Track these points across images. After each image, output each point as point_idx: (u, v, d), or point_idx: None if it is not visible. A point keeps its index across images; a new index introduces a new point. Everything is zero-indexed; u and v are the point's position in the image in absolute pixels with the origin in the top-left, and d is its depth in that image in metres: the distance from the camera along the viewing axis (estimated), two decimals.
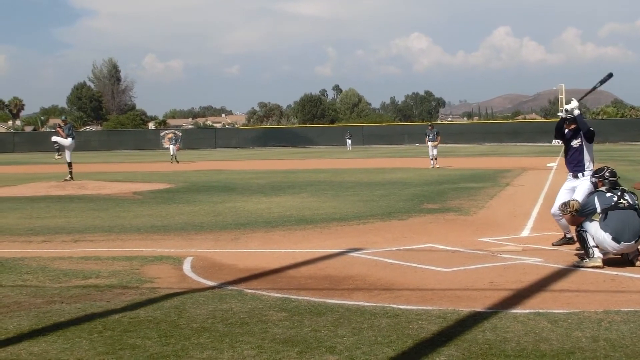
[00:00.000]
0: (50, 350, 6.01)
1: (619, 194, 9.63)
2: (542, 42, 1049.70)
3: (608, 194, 9.66)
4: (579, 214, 9.81)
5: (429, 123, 40.64)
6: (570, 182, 11.18)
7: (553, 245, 11.15)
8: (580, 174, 10.98)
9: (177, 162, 46.17)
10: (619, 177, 10.02)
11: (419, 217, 14.99)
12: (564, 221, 10.77)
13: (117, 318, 7.02)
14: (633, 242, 9.31)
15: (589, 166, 10.92)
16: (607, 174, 9.95)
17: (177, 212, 16.78)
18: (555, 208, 10.87)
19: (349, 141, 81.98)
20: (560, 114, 11.29)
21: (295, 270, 9.59)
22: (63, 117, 31.01)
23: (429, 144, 35.63)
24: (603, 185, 9.96)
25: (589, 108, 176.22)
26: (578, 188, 10.86)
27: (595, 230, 9.49)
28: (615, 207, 9.45)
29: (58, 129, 27.11)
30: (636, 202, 9.60)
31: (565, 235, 11.22)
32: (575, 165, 11.09)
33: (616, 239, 9.28)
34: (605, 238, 9.34)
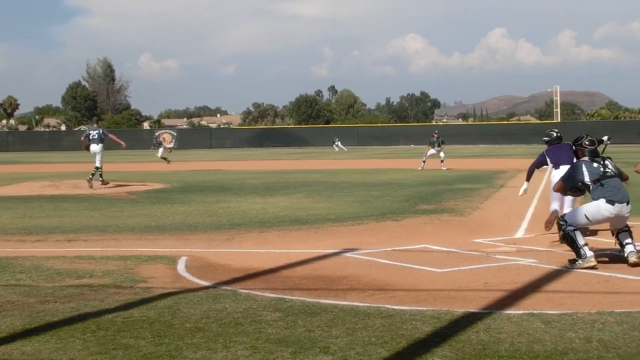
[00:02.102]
0: (43, 350, 5.99)
1: (602, 162, 9.75)
2: (537, 44, 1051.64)
3: (594, 164, 9.76)
4: (564, 180, 9.99)
5: (435, 131, 40.21)
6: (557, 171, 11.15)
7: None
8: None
9: (168, 162, 44.65)
10: (597, 146, 10.02)
11: (414, 218, 14.99)
12: None
13: (111, 318, 7.01)
14: (625, 203, 9.42)
15: None
16: (586, 142, 9.99)
17: (172, 212, 16.76)
18: (553, 206, 10.78)
19: (338, 142, 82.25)
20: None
21: (289, 270, 9.59)
22: (95, 119, 29.95)
23: (432, 150, 35.38)
24: (583, 155, 10.02)
25: (583, 110, 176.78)
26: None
27: (586, 207, 9.68)
28: (605, 176, 9.58)
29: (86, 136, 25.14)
30: (617, 168, 9.81)
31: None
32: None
33: (611, 201, 9.39)
34: (600, 204, 9.46)
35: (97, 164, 24.59)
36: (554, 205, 12.50)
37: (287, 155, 62.17)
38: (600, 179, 9.59)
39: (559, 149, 12.65)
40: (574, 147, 10.32)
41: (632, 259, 9.36)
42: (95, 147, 24.70)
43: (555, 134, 13.03)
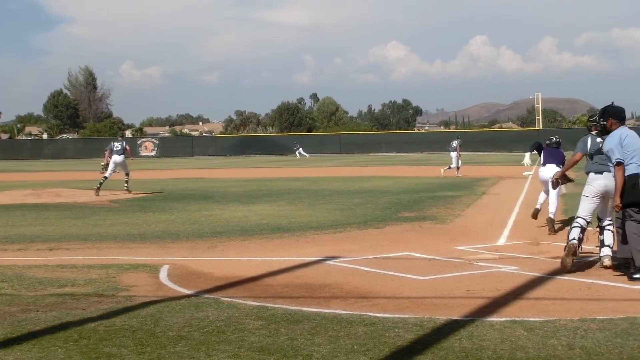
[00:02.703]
0: (26, 359, 5.96)
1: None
2: (518, 51, 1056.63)
3: (598, 139, 10.32)
4: (578, 148, 10.68)
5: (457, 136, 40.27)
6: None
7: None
8: None
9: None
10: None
11: (396, 226, 15.01)
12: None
13: (93, 326, 6.98)
14: (612, 174, 9.42)
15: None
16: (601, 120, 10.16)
17: (154, 220, 16.72)
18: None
19: (300, 149, 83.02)
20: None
21: (271, 278, 9.58)
22: (120, 133, 32.85)
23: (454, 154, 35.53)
24: (596, 129, 10.50)
25: (565, 117, 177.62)
26: None
27: (584, 191, 10.16)
28: (598, 152, 10.07)
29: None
30: None
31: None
32: None
33: (599, 171, 9.93)
34: (590, 177, 10.08)
35: (127, 171, 26.94)
36: (543, 198, 14.69)
37: (269, 163, 62.14)
38: (595, 153, 10.16)
39: (553, 152, 14.76)
40: (588, 122, 11.13)
41: (606, 262, 9.62)
42: (118, 158, 26.45)
43: (555, 139, 15.22)
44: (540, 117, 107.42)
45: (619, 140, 9.27)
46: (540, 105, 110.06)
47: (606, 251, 9.74)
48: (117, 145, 26.58)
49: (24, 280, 9.52)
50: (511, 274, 9.58)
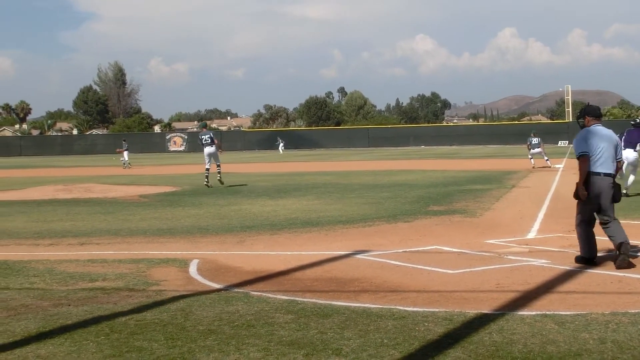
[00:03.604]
0: (58, 352, 6.01)
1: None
2: (547, 44, 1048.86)
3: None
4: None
5: (533, 130, 40.24)
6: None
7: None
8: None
9: (130, 167, 45.10)
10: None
11: (425, 219, 14.97)
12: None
13: (124, 320, 7.03)
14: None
15: None
16: (631, 122, 13.78)
17: (183, 215, 16.80)
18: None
19: (281, 145, 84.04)
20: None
21: (301, 272, 9.58)
22: (204, 124, 31.91)
23: (534, 150, 35.61)
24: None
25: None
26: None
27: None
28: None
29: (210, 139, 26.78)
30: None
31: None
32: None
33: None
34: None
35: (218, 162, 26.59)
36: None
37: (297, 158, 62.18)
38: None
39: (633, 134, 17.69)
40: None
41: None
42: (210, 149, 26.23)
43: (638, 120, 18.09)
44: (570, 109, 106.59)
45: (586, 134, 9.71)
46: (570, 97, 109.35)
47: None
48: (206, 138, 26.32)
49: (55, 274, 9.61)
50: (541, 267, 9.51)
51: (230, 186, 25.78)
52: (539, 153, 35.32)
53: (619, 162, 9.79)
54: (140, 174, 26.34)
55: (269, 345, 6.07)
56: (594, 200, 9.50)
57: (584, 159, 9.50)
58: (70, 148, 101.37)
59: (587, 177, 9.45)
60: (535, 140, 35.66)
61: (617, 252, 9.36)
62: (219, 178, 26.11)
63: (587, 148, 9.53)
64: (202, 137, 26.51)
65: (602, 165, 9.50)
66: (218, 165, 26.47)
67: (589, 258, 9.57)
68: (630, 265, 9.25)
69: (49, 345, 6.21)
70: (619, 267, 9.18)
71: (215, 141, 26.58)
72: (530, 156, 35.66)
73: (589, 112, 10.05)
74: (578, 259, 9.68)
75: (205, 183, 25.75)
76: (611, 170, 9.55)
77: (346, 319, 6.90)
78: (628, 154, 17.34)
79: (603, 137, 9.66)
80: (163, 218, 16.27)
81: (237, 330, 6.56)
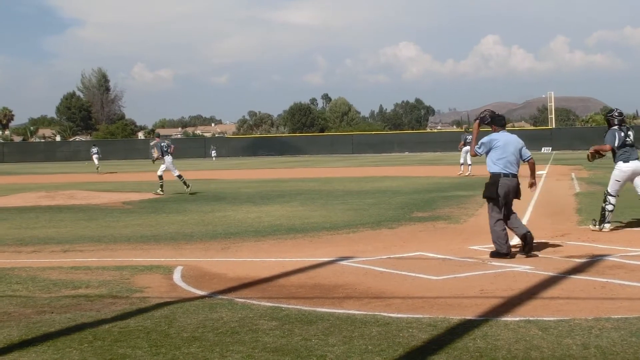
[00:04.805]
0: None
1: (625, 131, 13.21)
2: (530, 51, 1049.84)
3: (622, 133, 13.13)
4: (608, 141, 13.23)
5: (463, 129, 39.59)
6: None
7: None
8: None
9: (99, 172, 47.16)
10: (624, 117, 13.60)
11: (409, 226, 15.00)
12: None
13: (108, 328, 7.00)
14: (636, 160, 13.01)
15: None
16: (616, 114, 13.41)
17: (167, 222, 16.76)
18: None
19: (213, 152, 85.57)
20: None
21: (285, 279, 9.58)
22: (157, 134, 32.67)
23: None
24: (613, 124, 13.28)
25: (578, 116, 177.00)
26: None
27: (613, 174, 13.26)
28: (624, 144, 13.08)
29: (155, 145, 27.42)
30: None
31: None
32: None
33: (626, 160, 13.06)
34: (619, 166, 13.12)
35: (177, 173, 26.83)
36: None
37: (281, 164, 62.18)
38: (621, 146, 13.08)
39: None
40: (607, 116, 13.61)
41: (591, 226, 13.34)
42: (170, 157, 26.71)
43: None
44: (553, 116, 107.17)
45: (490, 139, 11.21)
46: (553, 104, 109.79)
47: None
48: (165, 147, 26.78)
49: (38, 282, 9.56)
50: (525, 273, 9.55)
51: (192, 193, 25.84)
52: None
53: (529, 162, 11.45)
54: (115, 180, 26.22)
55: (253, 352, 6.06)
56: (504, 198, 10.89)
57: (474, 154, 11.57)
58: (53, 155, 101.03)
59: (497, 179, 10.85)
60: (469, 138, 35.13)
61: (523, 242, 10.83)
62: (187, 189, 26.24)
63: (484, 151, 11.24)
64: (162, 144, 26.84)
65: (508, 167, 10.93)
66: (178, 176, 26.81)
67: (506, 253, 10.71)
68: (533, 251, 10.83)
69: (32, 353, 6.18)
70: (528, 255, 10.70)
71: (172, 148, 27.11)
72: (462, 161, 35.00)
73: (495, 122, 11.47)
74: (494, 254, 10.80)
75: (186, 191, 25.78)
76: (515, 172, 10.98)
77: (330, 325, 6.90)
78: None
79: (509, 142, 11.13)
80: (147, 225, 16.23)
81: (221, 337, 6.55)
